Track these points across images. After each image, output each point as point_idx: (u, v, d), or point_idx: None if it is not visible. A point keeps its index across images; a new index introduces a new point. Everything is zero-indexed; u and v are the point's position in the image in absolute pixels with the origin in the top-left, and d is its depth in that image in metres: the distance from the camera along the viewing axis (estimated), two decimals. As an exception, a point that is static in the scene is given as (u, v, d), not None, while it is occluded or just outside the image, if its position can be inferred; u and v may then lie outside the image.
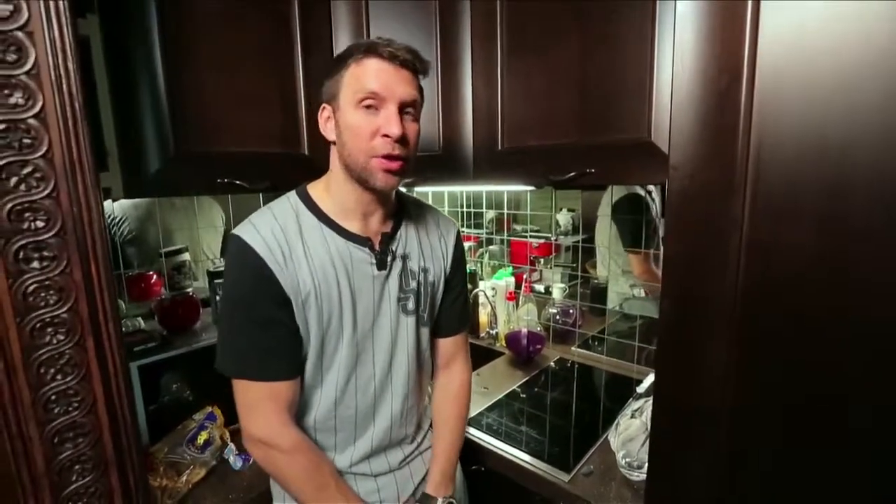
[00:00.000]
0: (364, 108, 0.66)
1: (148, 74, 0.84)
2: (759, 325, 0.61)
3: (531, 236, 1.72)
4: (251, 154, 0.96)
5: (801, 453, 0.59)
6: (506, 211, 1.72)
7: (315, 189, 0.75)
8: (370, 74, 0.66)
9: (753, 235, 0.59)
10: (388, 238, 0.76)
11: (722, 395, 0.64)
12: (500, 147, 1.09)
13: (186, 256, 1.31)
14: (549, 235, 1.69)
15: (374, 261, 0.74)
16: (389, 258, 0.75)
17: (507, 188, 1.62)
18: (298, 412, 0.75)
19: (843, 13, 0.50)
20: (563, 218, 1.70)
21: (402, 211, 0.81)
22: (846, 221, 0.53)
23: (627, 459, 0.85)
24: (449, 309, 0.86)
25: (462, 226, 1.87)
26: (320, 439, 0.76)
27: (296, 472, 0.70)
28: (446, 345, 0.88)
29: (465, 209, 1.85)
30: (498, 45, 1.06)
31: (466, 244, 1.83)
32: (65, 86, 0.57)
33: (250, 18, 0.95)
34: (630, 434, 0.88)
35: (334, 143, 0.71)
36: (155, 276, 1.26)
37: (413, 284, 0.78)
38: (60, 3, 0.56)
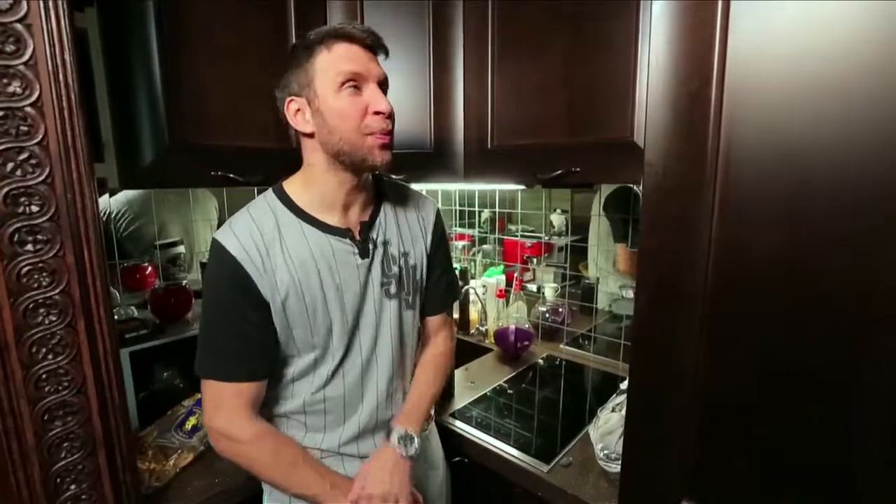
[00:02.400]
0: (347, 91, 0.67)
1: (144, 68, 0.86)
2: (727, 321, 0.63)
3: (524, 236, 1.74)
4: (245, 148, 0.98)
5: (769, 445, 0.61)
6: (497, 210, 1.74)
7: (292, 185, 0.75)
8: (345, 57, 0.67)
9: (722, 232, 0.61)
10: (367, 226, 0.77)
11: (693, 388, 0.66)
12: (489, 146, 1.12)
13: (181, 249, 1.33)
14: (542, 235, 1.71)
15: (356, 250, 0.75)
16: (371, 246, 0.77)
17: (497, 187, 1.64)
18: (290, 395, 0.77)
19: (806, 19, 0.53)
20: (557, 219, 1.73)
21: (381, 197, 0.82)
22: (808, 221, 0.55)
23: (605, 451, 0.87)
24: (433, 288, 0.88)
25: (455, 224, 1.90)
26: (310, 421, 0.78)
27: (260, 458, 0.72)
28: (433, 321, 0.91)
29: (458, 208, 1.87)
30: (489, 47, 1.08)
31: (460, 243, 1.86)
32: (61, 76, 0.59)
33: (247, 15, 0.97)
34: (609, 427, 0.90)
35: (310, 135, 0.71)
36: (150, 268, 1.28)
37: (395, 269, 0.80)
38: (59, -2, 0.58)
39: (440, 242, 0.89)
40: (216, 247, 0.69)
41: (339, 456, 0.79)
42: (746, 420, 0.63)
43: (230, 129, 0.97)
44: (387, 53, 0.73)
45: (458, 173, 1.18)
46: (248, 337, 0.70)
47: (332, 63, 0.67)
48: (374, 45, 0.71)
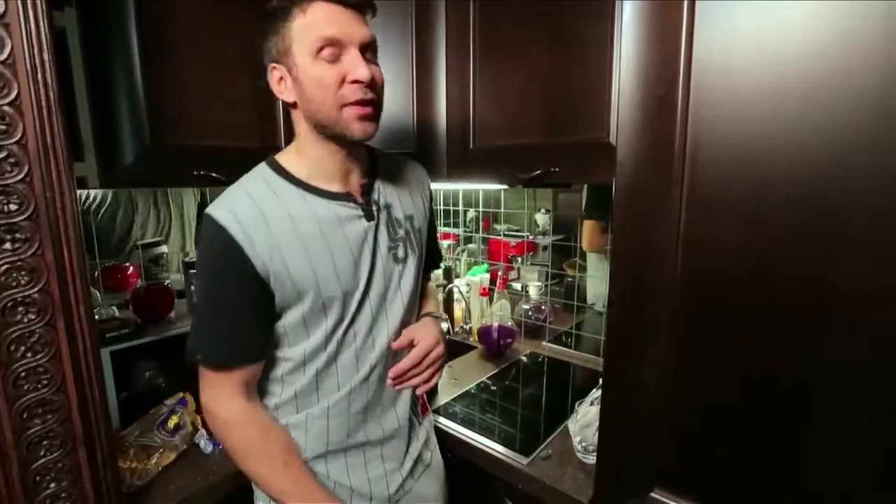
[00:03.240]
0: (324, 58, 0.63)
1: (124, 67, 0.86)
2: (695, 317, 0.65)
3: (508, 235, 1.77)
4: (228, 147, 0.99)
5: (735, 437, 0.64)
6: (481, 210, 1.76)
7: (286, 157, 0.72)
8: (322, 20, 0.62)
9: (689, 231, 0.64)
10: (367, 189, 0.75)
11: (664, 382, 0.69)
12: (471, 146, 1.13)
13: (164, 249, 1.33)
14: (527, 234, 1.74)
15: (361, 213, 0.73)
16: (374, 209, 0.75)
17: (480, 186, 1.66)
18: (301, 375, 0.73)
19: (765, 27, 0.55)
20: (542, 218, 1.75)
21: (375, 165, 0.80)
22: (768, 221, 0.58)
23: (583, 444, 0.89)
24: (428, 251, 0.90)
25: (440, 224, 1.91)
26: (323, 391, 0.75)
27: (238, 444, 0.70)
28: (424, 279, 0.93)
29: (443, 207, 1.89)
30: (471, 49, 1.10)
31: (445, 242, 1.88)
32: (40, 75, 0.59)
33: (229, 12, 0.97)
34: (587, 421, 0.93)
35: (294, 104, 0.68)
36: (132, 268, 1.27)
37: (401, 233, 0.79)
38: (38, -2, 0.58)
39: (432, 207, 0.91)
40: (208, 221, 0.66)
41: (342, 453, 0.77)
42: (714, 412, 0.66)
43: (213, 128, 0.97)
44: (374, 11, 0.69)
45: (440, 173, 1.20)
46: (237, 318, 0.67)
47: (308, 27, 0.63)
48: (358, 4, 0.65)
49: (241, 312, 0.68)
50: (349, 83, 0.64)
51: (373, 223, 0.74)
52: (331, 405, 0.75)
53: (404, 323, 0.81)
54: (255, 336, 0.70)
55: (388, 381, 0.78)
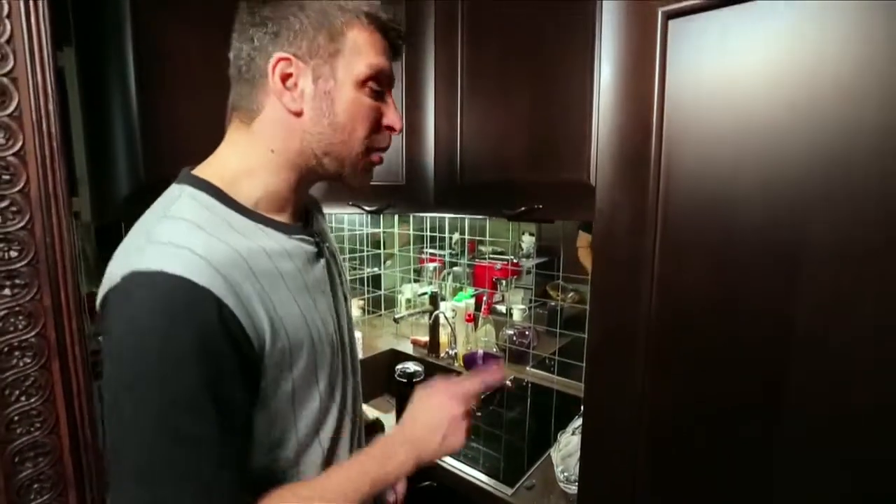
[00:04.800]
0: (368, 89, 0.53)
1: (122, 104, 0.88)
2: (668, 350, 0.70)
3: (491, 258, 1.81)
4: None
5: (710, 459, 0.68)
6: (467, 236, 1.80)
7: (221, 173, 0.53)
8: (380, 50, 0.54)
9: (662, 272, 0.69)
10: (308, 220, 0.63)
11: (641, 413, 0.73)
12: (459, 181, 1.18)
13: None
14: (512, 257, 1.78)
15: (316, 249, 0.59)
16: (321, 243, 0.61)
17: (466, 217, 1.71)
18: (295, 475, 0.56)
19: (725, 88, 0.61)
20: (526, 241, 1.80)
21: None
22: (731, 263, 0.63)
23: (566, 474, 0.93)
24: None
25: (426, 246, 1.95)
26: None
27: None
28: None
29: (429, 233, 1.92)
30: (458, 88, 1.16)
31: (431, 265, 1.91)
32: (45, 126, 0.62)
33: (224, 48, 1.00)
34: (569, 450, 0.96)
35: (299, 114, 0.52)
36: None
37: (336, 268, 0.66)
38: (45, 53, 0.61)
39: None
40: (148, 282, 0.42)
41: None
42: (689, 443, 0.70)
43: (206, 163, 0.99)
44: (398, 58, 0.60)
45: (428, 205, 1.24)
46: (227, 424, 0.44)
47: (365, 50, 0.52)
48: (399, 50, 0.58)
49: (232, 412, 0.45)
50: (384, 128, 0.57)
51: (323, 261, 0.61)
52: None
53: (358, 404, 0.68)
54: (244, 446, 0.48)
55: None
